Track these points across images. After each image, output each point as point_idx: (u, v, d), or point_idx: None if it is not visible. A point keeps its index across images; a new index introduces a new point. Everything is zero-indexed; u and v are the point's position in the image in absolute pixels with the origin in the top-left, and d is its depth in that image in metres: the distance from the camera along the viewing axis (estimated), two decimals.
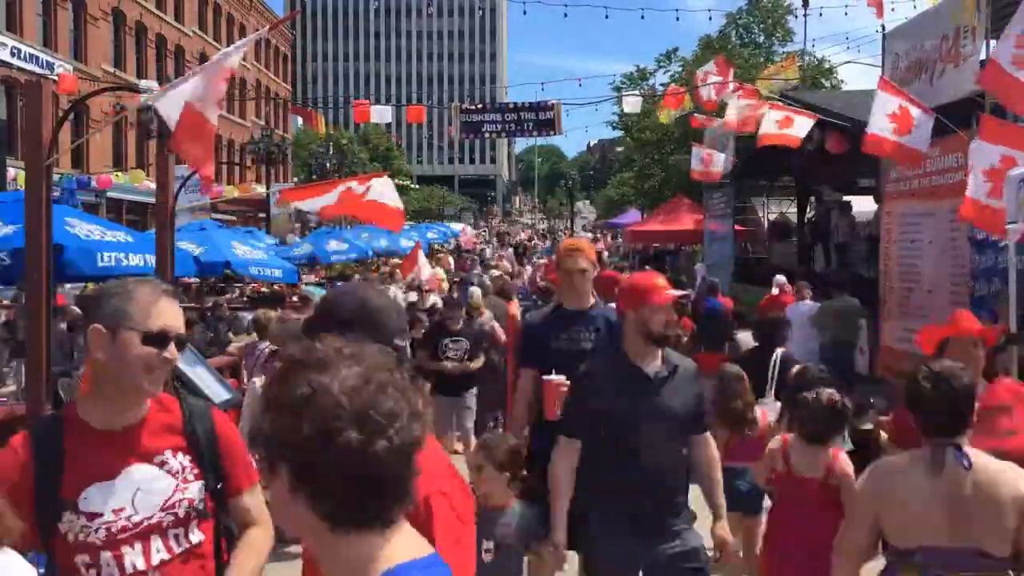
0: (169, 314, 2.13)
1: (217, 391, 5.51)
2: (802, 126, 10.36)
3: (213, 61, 4.92)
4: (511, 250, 32.79)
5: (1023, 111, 6.86)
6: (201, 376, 5.59)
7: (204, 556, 2.21)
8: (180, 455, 2.19)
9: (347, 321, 1.92)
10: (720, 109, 13.10)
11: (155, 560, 2.10)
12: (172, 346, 2.12)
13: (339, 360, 1.26)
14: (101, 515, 2.05)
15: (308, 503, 1.22)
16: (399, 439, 1.22)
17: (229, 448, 2.28)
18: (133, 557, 2.08)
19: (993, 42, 7.40)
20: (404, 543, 1.28)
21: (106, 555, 2.05)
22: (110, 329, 2.08)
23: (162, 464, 2.15)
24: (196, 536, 2.19)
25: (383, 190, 6.73)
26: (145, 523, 2.10)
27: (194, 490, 2.18)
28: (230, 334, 10.66)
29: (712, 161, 14.45)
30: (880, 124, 7.29)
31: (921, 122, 7.29)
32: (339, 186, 6.57)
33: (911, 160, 7.72)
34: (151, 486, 2.12)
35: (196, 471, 2.19)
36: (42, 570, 2.08)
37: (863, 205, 14.20)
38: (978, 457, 2.74)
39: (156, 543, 2.11)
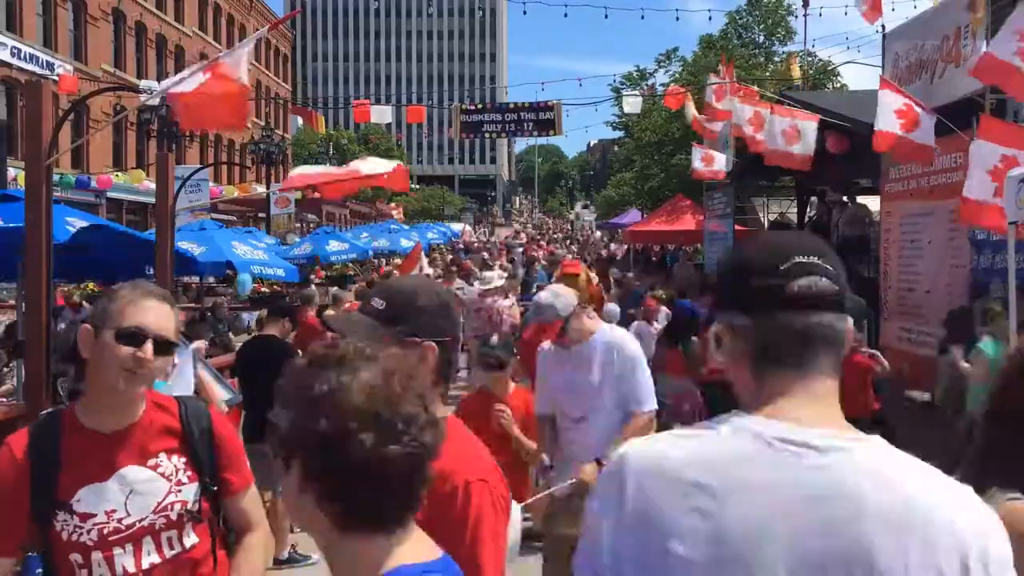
0: (148, 314, 2.08)
1: (218, 391, 5.52)
2: (808, 137, 10.10)
3: (216, 58, 4.93)
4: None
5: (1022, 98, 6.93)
6: (202, 376, 5.58)
7: (199, 560, 2.19)
8: (175, 457, 2.16)
9: (421, 310, 1.90)
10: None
11: (145, 564, 2.10)
12: (147, 346, 2.05)
13: (359, 359, 1.25)
14: (94, 516, 2.05)
15: (317, 501, 1.22)
16: (413, 444, 1.21)
17: (225, 448, 2.26)
18: (123, 560, 2.07)
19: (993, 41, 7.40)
20: (411, 546, 1.27)
21: (97, 556, 2.05)
22: (94, 328, 2.08)
23: (156, 466, 2.13)
24: (190, 540, 2.17)
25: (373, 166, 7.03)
26: (137, 525, 2.09)
27: (188, 493, 2.16)
28: (230, 334, 10.66)
29: (713, 160, 14.47)
30: (888, 121, 7.30)
31: (925, 119, 7.32)
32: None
33: (923, 156, 7.70)
34: (144, 488, 2.10)
35: (190, 473, 2.17)
36: (39, 571, 2.09)
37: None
38: None
39: (147, 546, 2.10)
